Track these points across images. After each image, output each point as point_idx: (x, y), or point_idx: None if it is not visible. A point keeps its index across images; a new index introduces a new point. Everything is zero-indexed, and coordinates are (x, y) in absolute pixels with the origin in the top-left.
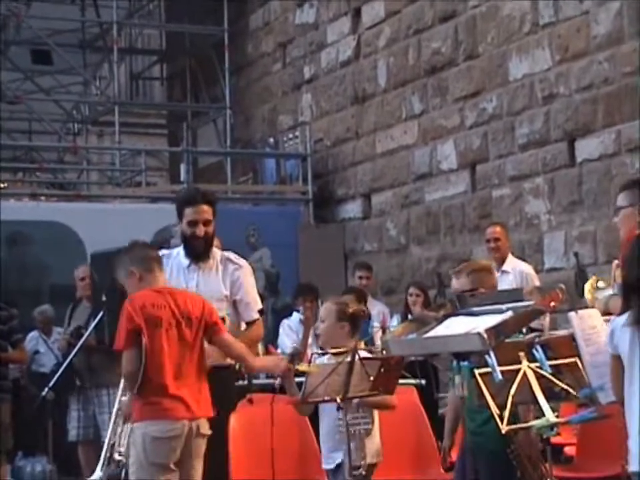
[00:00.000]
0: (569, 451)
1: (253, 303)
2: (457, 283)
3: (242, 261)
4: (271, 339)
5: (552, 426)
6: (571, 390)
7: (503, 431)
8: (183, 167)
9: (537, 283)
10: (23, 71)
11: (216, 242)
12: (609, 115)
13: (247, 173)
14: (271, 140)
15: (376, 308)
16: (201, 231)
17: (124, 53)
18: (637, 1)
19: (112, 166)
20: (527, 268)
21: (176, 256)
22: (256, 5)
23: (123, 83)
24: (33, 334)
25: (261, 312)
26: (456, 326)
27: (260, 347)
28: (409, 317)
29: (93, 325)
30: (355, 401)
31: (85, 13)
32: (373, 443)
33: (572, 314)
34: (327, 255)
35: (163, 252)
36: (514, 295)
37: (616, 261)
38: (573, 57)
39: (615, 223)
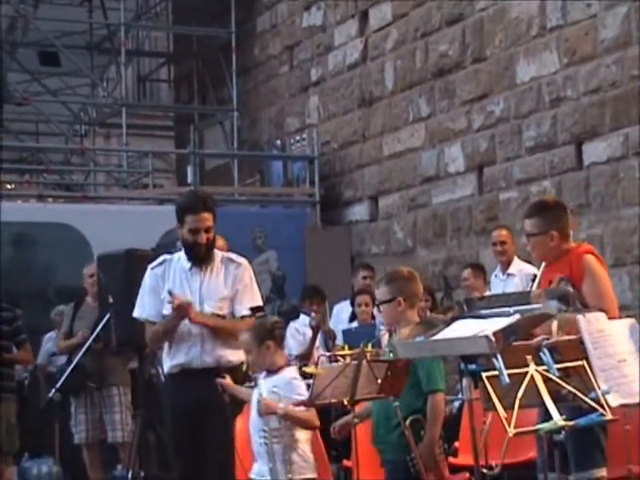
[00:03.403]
0: None
1: (246, 300)
2: (377, 293)
3: (241, 259)
4: None
5: (559, 429)
6: (578, 393)
7: (510, 434)
8: (189, 169)
9: None
10: (31, 72)
11: (221, 243)
12: (616, 118)
13: (253, 175)
14: (278, 142)
15: None
16: (202, 238)
17: (131, 55)
18: None
19: (119, 168)
20: (533, 270)
21: (177, 260)
22: (263, 8)
23: (130, 84)
24: (51, 334)
25: (259, 309)
26: (464, 329)
27: None
28: None
29: (99, 326)
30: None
31: (92, 15)
32: (303, 458)
33: (580, 317)
34: (334, 257)
35: (164, 257)
36: (522, 298)
37: (562, 278)
38: (581, 60)
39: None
